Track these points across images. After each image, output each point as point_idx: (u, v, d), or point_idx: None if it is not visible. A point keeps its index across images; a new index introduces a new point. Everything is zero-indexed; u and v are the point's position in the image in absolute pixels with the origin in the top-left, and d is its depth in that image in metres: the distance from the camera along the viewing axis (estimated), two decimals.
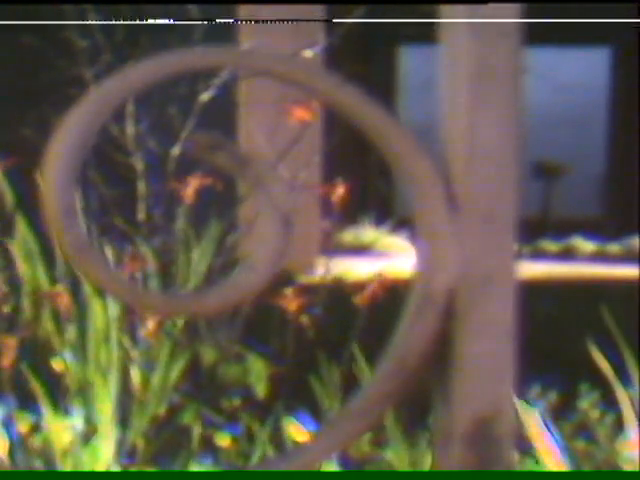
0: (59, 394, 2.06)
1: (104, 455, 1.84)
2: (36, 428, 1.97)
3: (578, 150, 10.24)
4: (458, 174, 0.65)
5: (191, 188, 2.46)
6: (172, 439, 2.14)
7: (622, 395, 1.55)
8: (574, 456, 1.76)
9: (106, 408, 1.90)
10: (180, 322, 2.43)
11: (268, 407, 2.40)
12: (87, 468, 1.81)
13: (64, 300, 2.14)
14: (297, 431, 2.02)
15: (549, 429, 1.46)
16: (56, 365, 2.13)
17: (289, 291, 2.41)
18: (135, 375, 2.18)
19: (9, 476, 1.61)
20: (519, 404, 1.44)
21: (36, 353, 2.46)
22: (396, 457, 1.77)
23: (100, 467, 1.82)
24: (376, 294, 2.23)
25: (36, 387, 1.83)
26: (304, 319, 2.56)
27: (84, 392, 2.00)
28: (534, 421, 1.46)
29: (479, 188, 0.65)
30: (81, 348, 2.09)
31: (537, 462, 1.51)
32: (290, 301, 2.41)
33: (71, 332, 2.13)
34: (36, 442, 1.90)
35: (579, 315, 4.03)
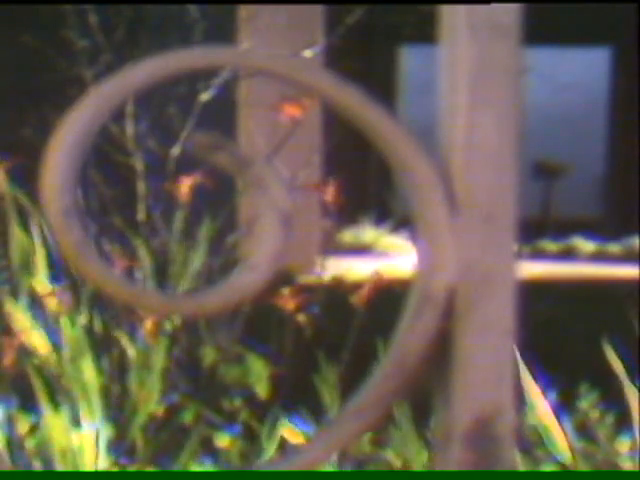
0: (55, 394, 2.06)
1: (91, 455, 1.84)
2: (34, 428, 1.97)
3: (578, 150, 10.24)
4: (458, 174, 0.65)
5: (186, 187, 2.46)
6: (172, 439, 2.14)
7: (629, 393, 1.55)
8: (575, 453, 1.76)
9: (90, 408, 1.90)
10: (178, 322, 2.43)
11: (268, 407, 2.40)
12: (78, 468, 1.81)
13: (59, 300, 2.14)
14: (294, 433, 2.02)
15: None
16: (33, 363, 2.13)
17: (289, 291, 2.41)
18: (131, 375, 2.18)
19: (9, 476, 1.61)
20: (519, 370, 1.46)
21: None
22: (396, 457, 1.77)
23: (87, 467, 1.82)
24: (372, 293, 2.23)
25: (35, 387, 1.83)
26: (304, 319, 2.56)
27: (67, 392, 2.00)
28: (529, 380, 1.48)
29: (479, 188, 0.65)
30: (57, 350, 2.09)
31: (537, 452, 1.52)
32: (290, 301, 2.41)
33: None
34: (34, 442, 1.90)
35: (579, 315, 4.03)
